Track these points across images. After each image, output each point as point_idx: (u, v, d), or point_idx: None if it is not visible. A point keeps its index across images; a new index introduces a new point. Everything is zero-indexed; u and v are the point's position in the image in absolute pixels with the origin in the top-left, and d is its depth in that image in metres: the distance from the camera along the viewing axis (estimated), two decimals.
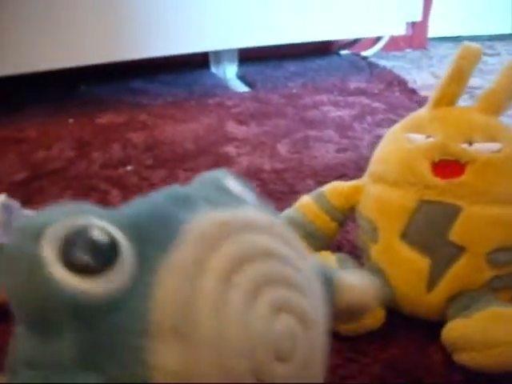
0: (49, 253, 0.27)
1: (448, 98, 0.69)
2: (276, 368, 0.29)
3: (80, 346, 0.27)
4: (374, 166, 0.73)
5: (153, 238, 0.30)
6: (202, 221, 0.31)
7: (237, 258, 0.30)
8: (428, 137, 0.67)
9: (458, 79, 0.69)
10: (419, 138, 0.67)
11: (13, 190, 1.02)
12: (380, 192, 0.69)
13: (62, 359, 0.27)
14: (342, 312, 0.42)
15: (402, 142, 0.69)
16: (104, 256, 0.28)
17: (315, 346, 0.32)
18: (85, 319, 0.27)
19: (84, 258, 0.27)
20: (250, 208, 0.35)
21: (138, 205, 0.34)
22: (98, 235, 0.28)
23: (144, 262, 0.29)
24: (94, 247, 0.28)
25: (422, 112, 0.72)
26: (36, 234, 0.27)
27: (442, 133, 0.66)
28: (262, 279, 0.30)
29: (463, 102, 0.73)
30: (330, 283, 0.40)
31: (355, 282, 0.45)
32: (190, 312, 0.28)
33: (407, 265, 0.65)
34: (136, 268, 0.29)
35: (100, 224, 0.29)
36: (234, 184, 0.38)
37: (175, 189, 0.36)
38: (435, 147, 0.65)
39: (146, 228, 0.31)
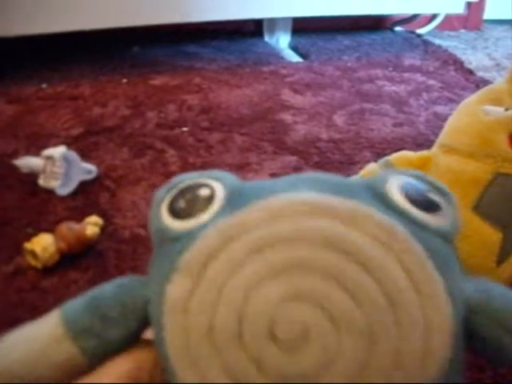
0: (167, 199, 0.34)
1: None
2: (268, 347, 0.28)
3: (150, 261, 0.33)
4: (446, 137, 0.71)
5: (238, 200, 0.32)
6: (282, 197, 0.31)
7: (274, 237, 0.30)
8: (507, 109, 0.65)
9: None
10: (497, 110, 0.66)
11: (69, 144, 1.03)
12: (452, 163, 0.67)
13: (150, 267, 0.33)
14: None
15: (478, 114, 0.67)
16: (192, 207, 0.33)
17: (356, 356, 0.29)
18: (161, 243, 0.33)
19: (178, 204, 0.33)
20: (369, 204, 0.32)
21: (270, 180, 0.36)
22: (200, 191, 0.33)
23: (219, 214, 0.32)
24: (190, 199, 0.33)
25: (499, 85, 0.70)
26: (171, 186, 0.34)
27: None
28: (289, 262, 0.29)
29: None
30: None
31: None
32: (206, 262, 0.29)
33: (478, 237, 0.63)
34: (211, 220, 0.32)
35: (212, 184, 0.34)
36: (394, 184, 0.34)
37: (309, 174, 0.36)
38: None
39: (243, 191, 0.33)
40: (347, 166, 0.98)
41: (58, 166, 0.88)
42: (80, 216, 0.80)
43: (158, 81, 1.39)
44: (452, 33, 2.24)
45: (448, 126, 0.72)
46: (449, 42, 2.05)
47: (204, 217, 0.32)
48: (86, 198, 0.88)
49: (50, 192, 0.88)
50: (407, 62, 1.68)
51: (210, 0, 1.49)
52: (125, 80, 1.40)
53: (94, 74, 1.43)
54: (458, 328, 0.31)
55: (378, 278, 0.29)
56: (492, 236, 0.62)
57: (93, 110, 1.21)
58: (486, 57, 1.85)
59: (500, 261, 0.63)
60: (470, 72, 1.63)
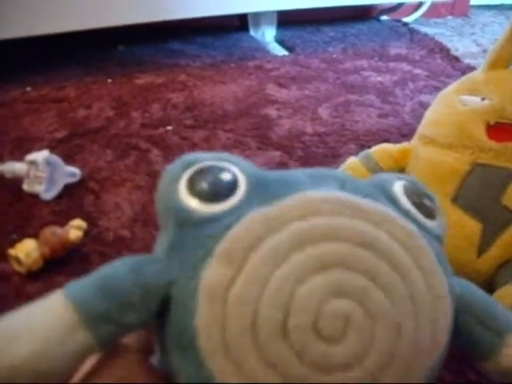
0: (184, 176, 0.34)
1: (503, 60, 0.67)
2: (313, 341, 0.29)
3: (170, 242, 0.33)
4: (425, 128, 0.71)
5: (265, 191, 0.34)
6: (313, 193, 0.33)
7: (315, 233, 0.31)
8: (483, 99, 0.65)
9: None
10: (474, 100, 0.66)
11: (53, 148, 1.03)
12: (431, 155, 0.67)
13: (163, 247, 0.34)
14: (504, 375, 0.39)
15: (455, 105, 0.67)
16: (217, 190, 0.34)
17: (386, 346, 0.31)
18: (181, 224, 0.33)
19: (201, 185, 0.34)
20: (385, 206, 0.35)
21: (280, 171, 0.38)
22: (222, 175, 0.34)
23: (246, 202, 0.33)
24: (213, 182, 0.34)
25: (476, 74, 0.70)
26: (186, 163, 0.35)
27: (499, 95, 0.64)
28: (330, 259, 0.31)
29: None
30: (500, 332, 0.38)
31: None
32: (248, 253, 0.30)
33: (458, 228, 0.63)
34: (238, 206, 0.33)
35: (231, 168, 0.35)
36: (399, 187, 0.39)
37: (324, 170, 0.38)
38: (491, 110, 0.63)
39: (266, 182, 0.35)
40: (331, 159, 0.98)
41: (41, 171, 0.88)
42: (65, 220, 0.80)
43: (142, 80, 1.39)
44: (439, 20, 2.23)
45: (427, 117, 0.72)
46: (436, 30, 2.04)
47: (231, 203, 0.33)
48: (70, 201, 0.88)
49: (34, 197, 0.88)
50: (393, 51, 1.68)
51: None
52: (110, 80, 1.39)
53: (78, 75, 1.42)
54: (452, 322, 0.35)
55: (403, 277, 0.32)
56: (472, 227, 0.62)
57: (77, 111, 1.21)
58: (473, 43, 1.85)
59: (480, 252, 0.63)
60: (457, 59, 1.63)
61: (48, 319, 0.29)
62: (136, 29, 1.48)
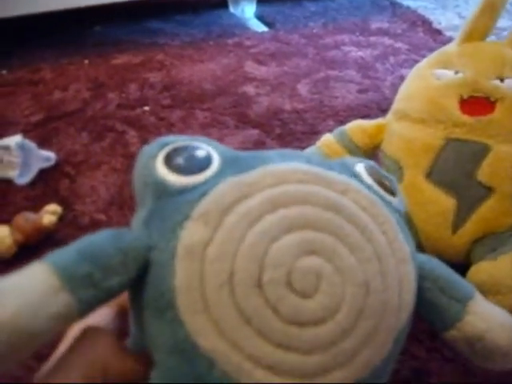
0: (161, 154, 0.36)
1: (478, 32, 0.66)
2: (286, 294, 0.31)
3: (148, 212, 0.35)
4: (398, 103, 0.70)
5: (237, 164, 0.36)
6: (283, 165, 0.36)
7: (286, 198, 0.33)
8: (456, 72, 0.64)
9: (490, 12, 0.65)
10: (447, 74, 0.65)
11: (29, 131, 1.01)
12: (405, 130, 0.66)
13: (140, 220, 0.35)
14: (470, 342, 0.41)
15: (428, 79, 0.66)
16: (192, 164, 0.36)
17: (356, 303, 0.33)
18: (159, 196, 0.35)
19: (177, 161, 0.36)
20: (349, 178, 0.38)
21: (255, 151, 0.40)
22: (197, 152, 0.36)
23: (220, 174, 0.35)
24: (189, 157, 0.36)
25: (450, 47, 0.69)
26: (163, 143, 0.37)
27: (472, 68, 0.63)
28: (300, 221, 0.33)
29: None
30: (461, 300, 0.41)
31: (499, 314, 0.42)
32: (224, 215, 0.32)
33: (432, 204, 0.63)
34: (212, 177, 0.35)
35: (204, 147, 0.37)
36: (361, 167, 0.41)
37: (291, 150, 0.40)
38: (464, 83, 0.62)
39: (238, 158, 0.37)
40: (309, 135, 0.97)
41: (14, 156, 0.87)
42: (40, 205, 0.79)
43: (120, 60, 1.37)
44: None
45: (401, 91, 0.71)
46: (419, 2, 2.02)
47: (206, 174, 0.35)
48: (45, 185, 0.87)
49: (8, 182, 0.87)
50: (374, 25, 1.66)
51: None
52: (86, 61, 1.37)
53: (55, 56, 1.40)
54: (416, 288, 0.37)
55: (369, 239, 0.34)
56: (446, 203, 0.62)
57: (53, 94, 1.19)
58: (457, 15, 1.83)
59: (455, 228, 0.62)
60: (439, 32, 1.61)
61: (31, 283, 0.29)
62: (113, 8, 1.46)
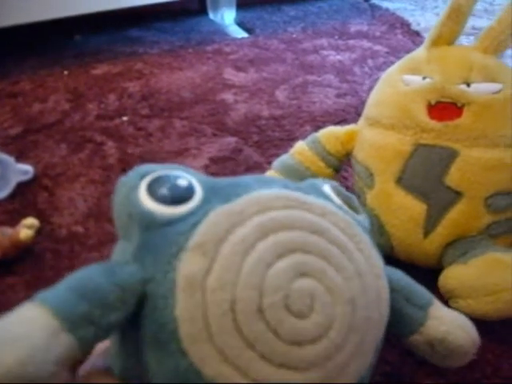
0: (143, 185, 0.37)
1: (446, 37, 0.67)
2: (285, 317, 0.33)
3: (137, 245, 0.35)
4: (369, 109, 0.71)
5: (221, 193, 0.37)
6: (265, 192, 0.37)
7: (274, 224, 0.35)
8: (424, 78, 0.65)
9: (456, 17, 0.66)
10: (415, 80, 0.65)
11: (8, 144, 1.01)
12: (375, 136, 0.67)
13: (128, 253, 0.36)
14: (432, 345, 0.46)
15: (397, 85, 0.67)
16: (177, 194, 0.36)
17: (345, 320, 0.35)
18: (147, 228, 0.35)
19: (161, 191, 0.36)
20: (325, 201, 0.40)
21: (227, 178, 0.41)
22: (179, 182, 0.37)
23: (205, 203, 0.36)
24: (172, 187, 0.37)
25: (419, 52, 0.70)
26: (142, 173, 0.38)
27: (440, 74, 0.64)
28: (291, 245, 0.35)
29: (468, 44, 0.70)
30: (423, 307, 0.45)
31: (457, 317, 0.48)
32: (219, 245, 0.33)
33: (403, 210, 0.63)
34: (199, 207, 0.36)
35: (185, 175, 0.38)
36: (328, 188, 0.44)
37: (265, 176, 0.45)
38: (432, 89, 0.63)
39: (219, 186, 0.38)
40: (287, 142, 0.97)
41: None
42: (19, 218, 0.79)
43: (99, 70, 1.37)
44: None
45: (371, 97, 0.72)
46: (398, 4, 2.03)
47: (191, 204, 0.36)
48: (23, 199, 0.87)
49: None
50: (353, 28, 1.67)
51: None
52: (66, 72, 1.37)
53: (34, 68, 1.39)
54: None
55: (350, 258, 0.37)
56: (417, 208, 0.63)
57: (32, 106, 1.19)
58: (436, 17, 1.84)
59: (426, 232, 0.63)
60: (417, 34, 1.62)
61: (29, 327, 0.30)
62: (92, 17, 1.45)
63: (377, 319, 0.38)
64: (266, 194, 0.37)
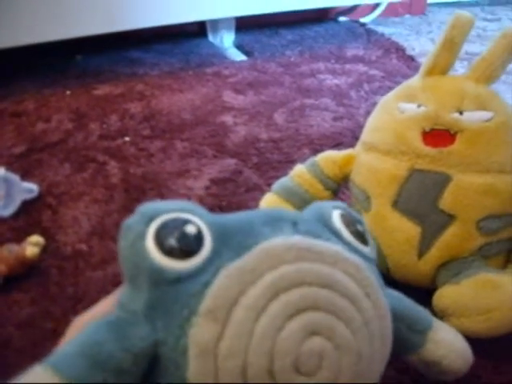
0: (150, 233, 0.35)
1: (440, 66, 0.70)
2: (295, 378, 0.33)
3: (147, 302, 0.34)
4: (366, 135, 0.73)
5: (231, 243, 0.37)
6: (276, 242, 0.37)
7: (284, 282, 0.35)
8: (419, 106, 0.67)
9: (450, 48, 0.69)
10: (410, 108, 0.68)
11: (12, 163, 1.03)
12: (372, 161, 0.70)
13: (136, 309, 0.35)
14: (428, 365, 0.47)
15: (393, 112, 0.70)
16: (186, 246, 0.35)
17: (351, 371, 0.36)
18: (156, 284, 0.34)
19: (170, 243, 0.35)
20: (336, 244, 0.40)
21: (235, 215, 0.41)
22: (188, 229, 0.36)
23: (216, 258, 0.35)
24: (181, 237, 0.35)
25: (415, 81, 0.72)
26: (148, 218, 0.36)
27: (433, 102, 0.66)
28: (301, 304, 0.34)
29: (462, 69, 0.73)
30: (423, 331, 0.47)
31: (454, 341, 0.49)
32: (231, 310, 0.33)
33: (398, 232, 0.66)
34: (209, 260, 0.35)
35: (194, 220, 0.37)
36: (337, 218, 0.43)
37: (273, 210, 0.42)
38: (426, 117, 0.66)
39: (228, 232, 0.37)
40: (285, 164, 1.00)
41: None
42: (24, 236, 0.81)
43: (101, 90, 1.40)
44: (396, 19, 2.27)
45: (369, 123, 0.74)
46: (393, 29, 2.07)
47: (201, 257, 0.35)
48: (28, 217, 0.89)
49: None
50: (350, 52, 1.70)
51: (150, 5, 1.48)
52: (68, 92, 1.40)
53: (37, 87, 1.42)
54: None
55: (358, 309, 0.36)
56: (411, 230, 0.65)
57: (36, 125, 1.21)
58: (430, 41, 1.88)
59: (421, 254, 0.65)
60: (412, 59, 1.66)
61: None
62: (94, 38, 1.48)
63: (379, 360, 0.39)
64: (276, 245, 0.36)
